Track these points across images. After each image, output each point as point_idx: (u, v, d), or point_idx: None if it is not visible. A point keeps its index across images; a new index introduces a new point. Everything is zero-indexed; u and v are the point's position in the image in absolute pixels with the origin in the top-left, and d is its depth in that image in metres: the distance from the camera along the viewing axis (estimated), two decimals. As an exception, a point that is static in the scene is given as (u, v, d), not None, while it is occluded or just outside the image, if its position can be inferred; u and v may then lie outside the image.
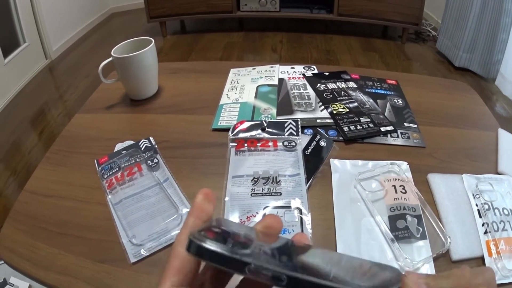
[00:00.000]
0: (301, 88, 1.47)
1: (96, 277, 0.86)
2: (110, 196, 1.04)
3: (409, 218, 0.93)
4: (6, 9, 4.33)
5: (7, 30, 4.35)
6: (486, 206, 0.97)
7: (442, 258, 0.88)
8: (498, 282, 0.84)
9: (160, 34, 5.53)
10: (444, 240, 0.90)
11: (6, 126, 3.70)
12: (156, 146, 1.20)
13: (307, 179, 1.05)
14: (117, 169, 1.10)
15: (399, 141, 1.22)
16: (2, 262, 1.55)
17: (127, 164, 1.12)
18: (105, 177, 1.09)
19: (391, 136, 1.24)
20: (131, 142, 1.22)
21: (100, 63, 1.39)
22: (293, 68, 1.63)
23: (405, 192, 1.00)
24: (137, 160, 1.13)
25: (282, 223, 0.47)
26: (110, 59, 1.37)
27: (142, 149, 1.17)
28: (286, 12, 5.29)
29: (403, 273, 0.35)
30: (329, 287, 0.33)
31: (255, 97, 1.43)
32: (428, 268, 0.85)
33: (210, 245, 0.36)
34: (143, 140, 1.21)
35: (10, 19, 4.41)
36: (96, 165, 1.14)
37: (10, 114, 3.91)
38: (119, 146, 1.21)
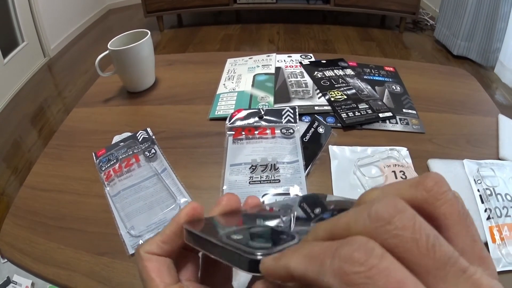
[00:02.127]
0: (298, 76, 1.46)
1: (95, 269, 0.85)
2: (108, 188, 1.03)
3: (409, 203, 0.93)
4: (5, 9, 4.33)
5: (6, 30, 4.35)
6: (488, 192, 0.97)
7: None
8: (502, 269, 0.84)
9: (157, 28, 5.53)
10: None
11: (7, 125, 3.70)
12: (154, 137, 1.19)
13: (306, 166, 1.05)
14: (114, 161, 1.10)
15: (398, 127, 1.22)
16: (6, 260, 1.56)
17: (124, 155, 1.12)
18: (103, 169, 1.09)
19: (390, 122, 1.23)
20: (129, 133, 1.21)
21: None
22: (290, 56, 1.62)
23: (405, 178, 0.99)
24: (135, 151, 1.13)
25: (238, 200, 0.46)
26: (107, 52, 1.37)
27: (140, 140, 1.17)
28: (283, 3, 5.29)
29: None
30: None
31: (252, 86, 1.43)
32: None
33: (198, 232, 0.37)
34: (140, 131, 1.20)
35: (9, 19, 4.41)
36: (94, 157, 1.14)
37: (10, 113, 3.92)
38: (116, 138, 1.21)
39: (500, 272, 0.83)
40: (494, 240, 0.88)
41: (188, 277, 0.42)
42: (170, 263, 0.40)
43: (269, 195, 0.97)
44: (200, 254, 0.44)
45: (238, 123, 1.18)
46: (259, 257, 0.30)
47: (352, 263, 0.23)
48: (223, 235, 0.35)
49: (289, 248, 0.30)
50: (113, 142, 1.20)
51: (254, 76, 1.49)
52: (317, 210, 0.44)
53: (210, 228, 0.39)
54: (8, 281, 2.16)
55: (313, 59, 1.60)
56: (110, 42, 1.38)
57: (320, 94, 1.35)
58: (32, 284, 2.14)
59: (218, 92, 1.41)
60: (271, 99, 1.34)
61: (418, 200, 0.29)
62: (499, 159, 1.10)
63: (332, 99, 1.31)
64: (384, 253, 0.23)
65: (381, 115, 1.25)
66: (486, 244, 0.88)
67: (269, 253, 0.30)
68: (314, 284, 0.25)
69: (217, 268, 0.45)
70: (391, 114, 1.25)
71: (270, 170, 1.03)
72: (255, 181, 1.01)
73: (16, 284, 2.15)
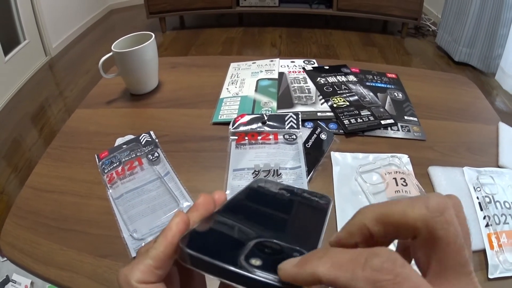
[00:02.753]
0: (301, 82, 1.47)
1: (97, 272, 0.86)
2: (111, 191, 1.04)
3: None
4: (7, 7, 4.32)
5: (7, 28, 4.35)
6: (487, 199, 0.97)
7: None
8: (500, 275, 0.84)
9: (160, 30, 5.53)
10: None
11: (7, 124, 3.70)
12: (157, 140, 1.19)
13: (308, 172, 1.05)
14: (117, 163, 1.10)
15: (400, 134, 1.22)
16: (5, 259, 1.56)
17: (127, 158, 1.12)
18: (105, 171, 1.09)
19: (391, 129, 1.24)
20: (132, 136, 1.21)
21: (100, 59, 1.39)
22: (293, 62, 1.63)
23: (406, 185, 1.00)
24: (138, 154, 1.13)
25: (213, 202, 0.45)
26: (111, 54, 1.37)
27: (143, 143, 1.17)
28: (286, 7, 5.29)
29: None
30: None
31: (256, 90, 1.43)
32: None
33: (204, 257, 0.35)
34: (143, 134, 1.20)
35: (11, 17, 4.41)
36: (97, 160, 1.14)
37: (11, 111, 3.91)
38: (119, 141, 1.21)
39: (497, 279, 0.84)
40: (492, 247, 0.89)
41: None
42: (163, 287, 0.38)
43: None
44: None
45: (242, 128, 1.19)
46: None
47: (382, 272, 0.26)
48: (237, 259, 0.34)
49: (312, 254, 0.32)
50: (116, 144, 1.20)
51: (258, 81, 1.49)
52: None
53: (209, 246, 0.37)
54: (7, 279, 2.16)
55: (316, 65, 1.60)
56: (114, 44, 1.38)
57: (323, 100, 1.35)
58: (32, 283, 2.14)
59: (221, 96, 1.42)
60: (274, 104, 1.34)
61: (421, 219, 0.31)
62: (498, 166, 1.11)
63: (335, 105, 1.32)
64: (404, 263, 0.27)
65: (383, 122, 1.25)
66: (483, 251, 0.89)
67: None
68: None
69: (193, 277, 0.45)
70: (393, 121, 1.26)
71: (272, 175, 1.03)
72: (257, 186, 1.01)
73: (15, 283, 2.15)
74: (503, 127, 1.26)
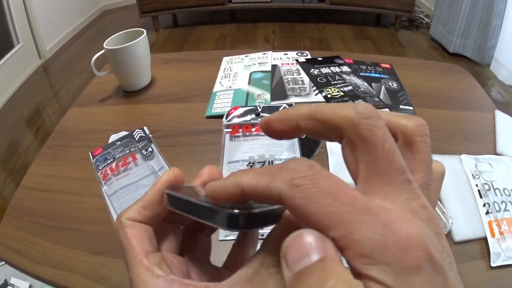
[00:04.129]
0: (294, 74, 1.46)
1: (93, 269, 0.85)
2: (105, 187, 1.03)
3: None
4: (0, 11, 4.31)
5: (1, 32, 4.34)
6: (486, 186, 0.97)
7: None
8: (502, 263, 0.84)
9: (153, 28, 5.52)
10: (445, 221, 0.89)
11: (2, 127, 3.69)
12: (151, 136, 1.19)
13: (304, 163, 1.04)
14: (111, 160, 1.09)
15: (395, 123, 1.21)
16: (3, 263, 1.55)
17: (121, 154, 1.11)
18: (99, 168, 1.08)
19: (387, 118, 1.23)
20: (125, 133, 1.21)
21: (93, 59, 1.38)
22: (286, 54, 1.62)
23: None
24: (132, 150, 1.13)
25: (219, 174, 0.46)
26: (103, 51, 1.36)
27: (136, 139, 1.17)
28: (278, 3, 5.28)
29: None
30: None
31: (249, 83, 1.43)
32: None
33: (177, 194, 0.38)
34: (137, 130, 1.20)
35: (4, 21, 4.40)
36: (91, 157, 1.13)
37: (6, 115, 3.91)
38: (113, 138, 1.20)
39: (500, 267, 0.83)
40: (493, 235, 0.88)
41: (168, 248, 0.42)
42: (151, 231, 0.40)
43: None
44: (181, 228, 0.45)
45: (235, 120, 1.18)
46: (236, 211, 0.31)
47: (298, 171, 0.27)
48: (203, 197, 0.36)
49: (239, 170, 0.33)
50: (110, 141, 1.19)
51: (251, 74, 1.49)
52: None
53: (190, 193, 0.39)
54: (6, 283, 2.15)
55: (309, 57, 1.60)
56: (106, 41, 1.37)
57: (317, 91, 1.35)
58: (30, 286, 2.13)
59: (214, 90, 1.41)
60: (267, 96, 1.34)
61: (403, 126, 0.35)
62: (496, 154, 1.10)
63: (329, 96, 1.31)
64: (323, 168, 0.28)
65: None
66: (485, 238, 0.88)
67: (248, 212, 0.31)
68: (263, 195, 0.29)
69: (197, 242, 0.46)
70: (388, 111, 1.25)
71: (267, 167, 1.02)
72: (252, 178, 1.00)
73: (13, 287, 2.14)
74: (499, 114, 1.25)
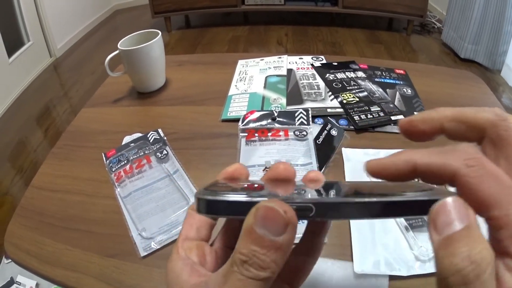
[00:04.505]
0: (310, 78, 1.45)
1: (105, 272, 0.84)
2: (118, 189, 1.02)
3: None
4: (10, 8, 4.33)
5: (11, 29, 4.36)
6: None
7: (459, 247, 0.86)
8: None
9: (165, 29, 5.54)
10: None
11: (12, 125, 3.71)
12: (165, 138, 1.18)
13: (319, 168, 1.04)
14: (125, 161, 1.09)
15: (411, 130, 1.20)
16: (10, 260, 1.55)
17: (135, 156, 1.10)
18: (113, 170, 1.07)
19: (402, 125, 1.22)
20: (139, 134, 1.20)
21: (105, 59, 1.38)
22: (301, 58, 1.61)
23: (418, 181, 0.98)
24: (146, 152, 1.12)
25: (293, 169, 0.46)
26: (117, 52, 1.36)
27: (151, 141, 1.16)
28: (291, 5, 5.28)
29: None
30: (358, 203, 0.33)
31: (264, 87, 1.42)
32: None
33: (218, 197, 0.35)
34: (151, 132, 1.19)
35: (14, 18, 4.42)
36: (104, 158, 1.13)
37: (16, 112, 3.92)
38: (127, 139, 1.20)
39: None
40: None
41: (225, 243, 0.46)
42: (206, 223, 0.46)
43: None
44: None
45: (251, 124, 1.17)
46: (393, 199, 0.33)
47: (470, 153, 0.32)
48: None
49: (404, 151, 0.36)
50: (124, 142, 1.18)
51: (266, 77, 1.48)
52: (332, 192, 0.42)
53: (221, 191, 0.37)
54: (12, 281, 2.15)
55: (324, 61, 1.58)
56: (120, 42, 1.37)
57: (332, 96, 1.34)
58: (37, 284, 2.13)
59: (230, 94, 1.40)
60: (283, 101, 1.33)
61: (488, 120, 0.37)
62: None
63: (345, 101, 1.30)
64: (483, 155, 0.32)
65: (393, 117, 1.23)
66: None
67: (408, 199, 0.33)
68: (437, 173, 0.33)
69: None
70: (403, 117, 1.24)
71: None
72: (268, 183, 0.99)
73: (19, 285, 2.14)
74: None
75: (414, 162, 0.34)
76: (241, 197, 0.34)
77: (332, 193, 0.41)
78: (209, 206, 0.35)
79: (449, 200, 0.30)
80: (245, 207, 0.33)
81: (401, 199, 0.33)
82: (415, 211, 0.33)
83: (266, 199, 0.33)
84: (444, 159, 0.32)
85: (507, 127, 0.35)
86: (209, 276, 0.38)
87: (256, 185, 0.43)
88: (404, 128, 0.39)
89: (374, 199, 0.33)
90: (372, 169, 0.36)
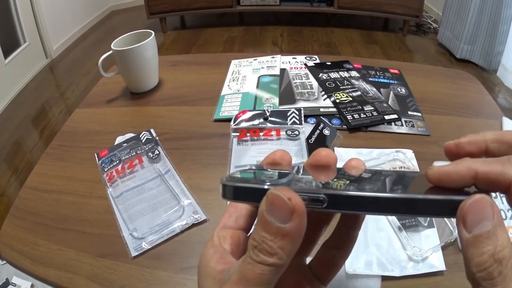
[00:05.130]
0: (303, 78, 1.46)
1: (97, 272, 0.84)
2: (110, 189, 1.02)
3: (416, 205, 0.92)
4: (6, 9, 4.32)
5: (7, 30, 4.35)
6: (493, 194, 0.96)
7: (451, 247, 0.86)
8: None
9: (160, 30, 5.52)
10: (452, 228, 0.88)
11: (8, 126, 3.70)
12: (157, 138, 1.18)
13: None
14: (117, 161, 1.09)
15: (404, 129, 1.21)
16: (5, 262, 1.55)
17: (127, 156, 1.11)
18: (105, 170, 1.07)
19: (395, 125, 1.22)
20: (132, 134, 1.20)
21: (100, 60, 1.38)
22: (295, 58, 1.61)
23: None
24: (138, 152, 1.12)
25: (334, 155, 0.47)
26: (110, 52, 1.36)
27: (143, 141, 1.16)
28: (286, 6, 5.28)
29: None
30: (374, 197, 0.34)
31: (257, 87, 1.42)
32: (436, 257, 0.83)
33: (232, 182, 0.37)
34: (143, 132, 1.19)
35: (10, 19, 4.41)
36: (97, 158, 1.13)
37: (12, 113, 3.91)
38: (119, 139, 1.20)
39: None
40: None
41: None
42: (245, 212, 0.46)
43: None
44: None
45: (243, 124, 1.17)
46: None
47: None
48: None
49: (465, 158, 0.36)
50: (116, 143, 1.18)
51: (259, 77, 1.48)
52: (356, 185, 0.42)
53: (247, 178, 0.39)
54: (7, 283, 2.15)
55: (318, 61, 1.59)
56: (113, 42, 1.37)
57: (325, 96, 1.34)
58: (32, 285, 2.13)
59: (222, 93, 1.40)
60: (276, 100, 1.33)
61: None
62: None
63: (338, 101, 1.30)
64: None
65: (386, 117, 1.24)
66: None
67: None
68: (495, 181, 0.34)
69: None
70: (397, 116, 1.24)
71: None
72: (260, 183, 0.99)
73: (15, 286, 2.14)
74: (506, 121, 1.24)
75: (475, 170, 0.34)
76: (255, 184, 0.35)
77: (356, 185, 0.41)
78: (228, 192, 0.37)
79: (479, 198, 0.32)
80: (260, 194, 0.34)
81: (423, 197, 0.33)
82: (435, 210, 0.34)
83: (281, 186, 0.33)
84: (502, 168, 0.33)
85: None
86: (234, 262, 0.40)
87: (285, 172, 0.43)
88: (451, 151, 0.40)
89: (391, 195, 0.34)
90: (435, 177, 0.37)
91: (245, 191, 0.36)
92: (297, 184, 0.37)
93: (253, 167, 0.42)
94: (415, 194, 0.34)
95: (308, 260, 0.49)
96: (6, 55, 4.16)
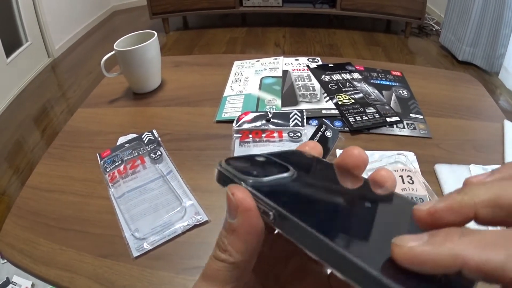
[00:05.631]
0: (305, 80, 1.46)
1: (98, 272, 0.84)
2: (112, 190, 1.02)
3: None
4: (9, 8, 4.32)
5: (9, 29, 4.35)
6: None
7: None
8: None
9: (163, 30, 5.52)
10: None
11: (10, 125, 3.70)
12: (160, 139, 1.18)
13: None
14: (119, 162, 1.09)
15: (405, 132, 1.21)
16: (5, 261, 1.55)
17: (130, 157, 1.11)
18: (107, 170, 1.08)
19: (397, 127, 1.22)
20: (134, 135, 1.20)
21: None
22: (297, 60, 1.61)
23: (413, 183, 0.98)
24: (140, 153, 1.12)
25: (364, 158, 0.40)
26: (113, 52, 1.36)
27: (145, 142, 1.16)
28: (289, 7, 5.27)
29: None
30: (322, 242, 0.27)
31: (259, 88, 1.42)
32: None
33: (222, 168, 0.36)
34: (146, 133, 1.19)
35: (13, 18, 4.41)
36: (99, 158, 1.13)
37: (13, 112, 3.91)
38: (121, 140, 1.20)
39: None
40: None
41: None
42: None
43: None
44: None
45: (245, 125, 1.17)
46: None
47: None
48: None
49: (444, 231, 0.26)
50: (118, 143, 1.19)
51: (261, 79, 1.48)
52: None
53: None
54: (8, 281, 2.15)
55: (320, 63, 1.59)
56: (116, 43, 1.37)
57: (328, 98, 1.34)
58: (32, 285, 2.13)
59: (225, 95, 1.41)
60: (278, 102, 1.33)
61: None
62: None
63: (340, 103, 1.31)
64: None
65: (388, 119, 1.24)
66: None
67: None
68: (492, 276, 0.23)
69: None
70: (398, 119, 1.24)
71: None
72: (262, 184, 0.99)
73: (15, 285, 2.14)
74: (508, 124, 1.24)
75: (463, 259, 0.23)
76: (234, 177, 0.35)
77: (336, 214, 0.34)
78: (216, 176, 0.37)
79: None
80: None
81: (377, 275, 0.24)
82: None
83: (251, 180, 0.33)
84: (504, 259, 0.23)
85: None
86: None
87: (288, 168, 0.38)
88: (424, 221, 0.28)
89: (339, 249, 0.26)
90: (404, 260, 0.25)
91: (227, 181, 0.35)
92: (273, 188, 0.34)
93: (261, 156, 0.38)
94: (374, 265, 0.25)
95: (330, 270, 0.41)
96: (8, 54, 4.16)
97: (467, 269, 0.23)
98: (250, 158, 0.39)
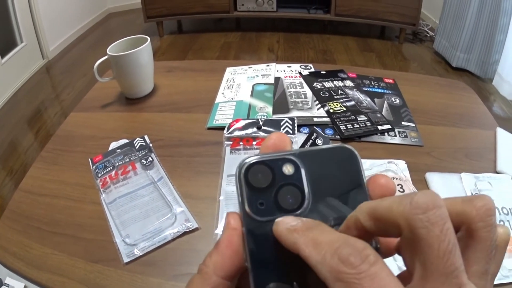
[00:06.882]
0: (297, 87, 1.46)
1: (89, 277, 0.85)
2: (103, 195, 1.03)
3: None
4: (4, 9, 4.32)
5: (4, 30, 4.34)
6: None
7: None
8: (498, 282, 0.83)
9: (157, 34, 5.52)
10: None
11: (3, 126, 3.69)
12: (151, 145, 1.19)
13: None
14: (111, 167, 1.09)
15: (397, 140, 1.21)
16: (-2, 263, 1.55)
17: (121, 163, 1.11)
18: (99, 176, 1.08)
19: (388, 135, 1.23)
20: (126, 140, 1.21)
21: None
22: (290, 66, 1.62)
23: (403, 191, 0.99)
24: (132, 158, 1.12)
25: (392, 188, 0.38)
26: (106, 57, 1.37)
27: (137, 147, 1.16)
28: (283, 12, 5.28)
29: None
30: None
31: (251, 95, 1.43)
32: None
33: (239, 177, 0.35)
34: (137, 138, 1.20)
35: (8, 19, 4.40)
36: (91, 163, 1.13)
37: (7, 114, 3.90)
38: (113, 145, 1.20)
39: (496, 285, 0.82)
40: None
41: None
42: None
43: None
44: None
45: (236, 133, 1.18)
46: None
47: (346, 264, 0.26)
48: None
49: (308, 222, 0.32)
50: (110, 148, 1.19)
51: (253, 85, 1.49)
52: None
53: None
54: (1, 283, 2.15)
55: (312, 70, 1.59)
56: (109, 47, 1.37)
57: (319, 106, 1.35)
58: (25, 287, 2.13)
59: (216, 101, 1.41)
60: (269, 109, 1.34)
61: (465, 213, 0.30)
62: (496, 172, 1.10)
63: (331, 110, 1.31)
64: (377, 260, 0.26)
65: (380, 127, 1.24)
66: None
67: None
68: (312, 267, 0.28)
69: None
70: (390, 127, 1.25)
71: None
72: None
73: (8, 287, 2.14)
74: (501, 132, 1.25)
75: (297, 250, 0.30)
76: (240, 192, 0.34)
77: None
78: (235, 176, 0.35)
79: None
80: None
81: None
82: None
83: None
84: (318, 260, 0.28)
85: (426, 222, 0.27)
86: None
87: None
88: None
89: None
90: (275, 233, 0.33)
91: (236, 188, 0.35)
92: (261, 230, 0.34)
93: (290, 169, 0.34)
94: None
95: None
96: (2, 55, 4.16)
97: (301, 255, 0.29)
98: (274, 170, 0.35)
